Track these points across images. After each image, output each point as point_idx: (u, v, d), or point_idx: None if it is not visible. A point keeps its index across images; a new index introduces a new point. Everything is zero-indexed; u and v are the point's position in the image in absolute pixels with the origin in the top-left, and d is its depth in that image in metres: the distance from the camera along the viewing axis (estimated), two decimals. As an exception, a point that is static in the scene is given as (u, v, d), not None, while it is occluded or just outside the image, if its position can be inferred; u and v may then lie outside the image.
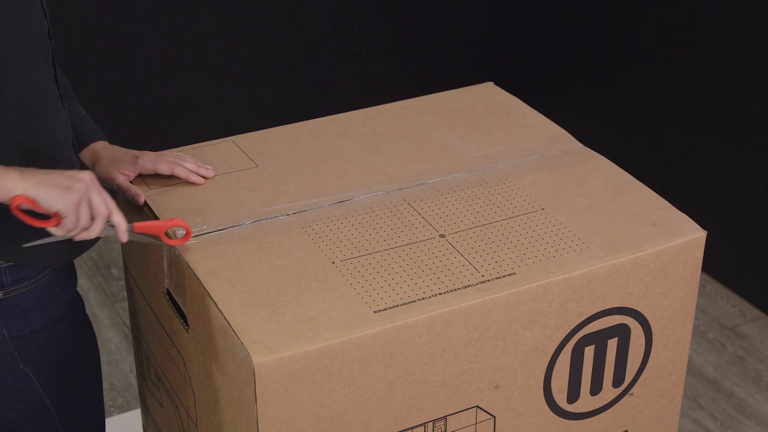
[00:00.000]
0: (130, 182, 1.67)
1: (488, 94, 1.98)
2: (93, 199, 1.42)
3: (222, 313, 1.42)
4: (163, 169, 1.67)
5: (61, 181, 1.39)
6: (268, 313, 1.41)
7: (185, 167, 1.68)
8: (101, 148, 1.71)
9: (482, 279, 1.48)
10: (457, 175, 1.72)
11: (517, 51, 3.74)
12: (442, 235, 1.58)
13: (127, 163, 1.67)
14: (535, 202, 1.66)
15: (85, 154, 1.70)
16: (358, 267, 1.50)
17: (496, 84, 2.02)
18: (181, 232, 1.52)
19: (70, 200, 1.39)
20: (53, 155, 1.55)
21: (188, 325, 1.54)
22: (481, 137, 1.83)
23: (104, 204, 1.43)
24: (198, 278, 1.48)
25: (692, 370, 2.78)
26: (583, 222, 1.61)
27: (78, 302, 1.68)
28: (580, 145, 1.82)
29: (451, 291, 1.46)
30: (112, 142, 1.79)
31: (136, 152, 1.69)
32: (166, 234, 1.52)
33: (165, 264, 1.58)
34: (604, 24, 3.31)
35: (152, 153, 1.69)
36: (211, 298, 1.44)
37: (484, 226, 1.60)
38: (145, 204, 1.64)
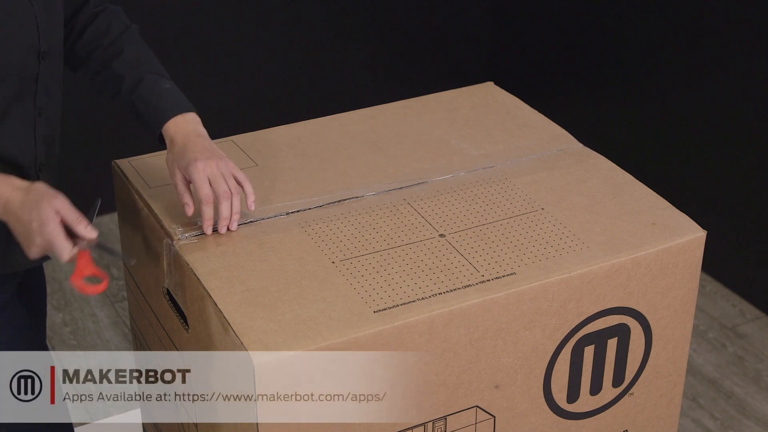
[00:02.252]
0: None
1: (488, 94, 1.98)
2: (45, 239, 1.44)
3: (222, 313, 1.42)
4: (201, 193, 1.53)
5: (22, 237, 1.45)
6: (268, 312, 1.41)
7: (216, 209, 1.55)
8: (173, 133, 1.60)
9: (482, 279, 1.48)
10: (457, 174, 1.72)
11: (517, 51, 3.74)
12: (441, 235, 1.57)
13: (183, 166, 1.56)
14: (535, 201, 1.66)
15: (164, 135, 1.61)
16: (358, 267, 1.50)
17: (496, 84, 2.02)
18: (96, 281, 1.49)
19: (33, 252, 1.46)
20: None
21: (188, 325, 1.54)
22: (482, 136, 1.83)
23: (50, 243, 1.45)
24: (198, 278, 1.48)
25: (692, 370, 2.78)
26: (583, 222, 1.61)
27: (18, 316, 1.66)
28: (580, 144, 1.82)
29: (451, 291, 1.46)
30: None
31: (196, 155, 1.55)
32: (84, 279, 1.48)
33: (165, 264, 1.58)
34: (604, 24, 3.31)
35: (208, 163, 1.54)
36: (211, 298, 1.44)
37: (484, 226, 1.60)
38: (145, 203, 1.64)
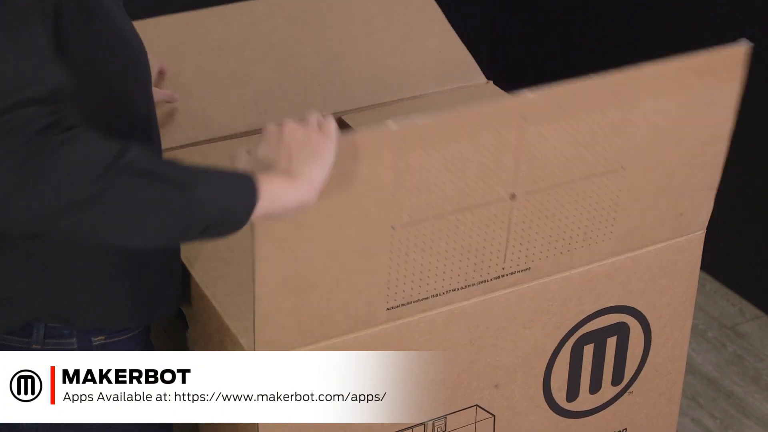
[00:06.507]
0: None
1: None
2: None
3: (220, 313, 1.41)
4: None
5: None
6: (268, 312, 1.41)
7: None
8: None
9: (482, 278, 1.48)
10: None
11: (517, 51, 3.74)
12: (441, 234, 1.57)
13: None
14: (534, 201, 1.65)
15: None
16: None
17: (496, 84, 2.02)
18: None
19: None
20: None
21: (188, 325, 1.54)
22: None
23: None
24: (197, 278, 1.48)
25: (691, 369, 2.78)
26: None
27: None
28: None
29: (451, 290, 1.46)
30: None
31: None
32: None
33: (165, 263, 1.58)
34: (604, 24, 3.31)
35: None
36: (210, 298, 1.44)
37: (483, 225, 1.59)
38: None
